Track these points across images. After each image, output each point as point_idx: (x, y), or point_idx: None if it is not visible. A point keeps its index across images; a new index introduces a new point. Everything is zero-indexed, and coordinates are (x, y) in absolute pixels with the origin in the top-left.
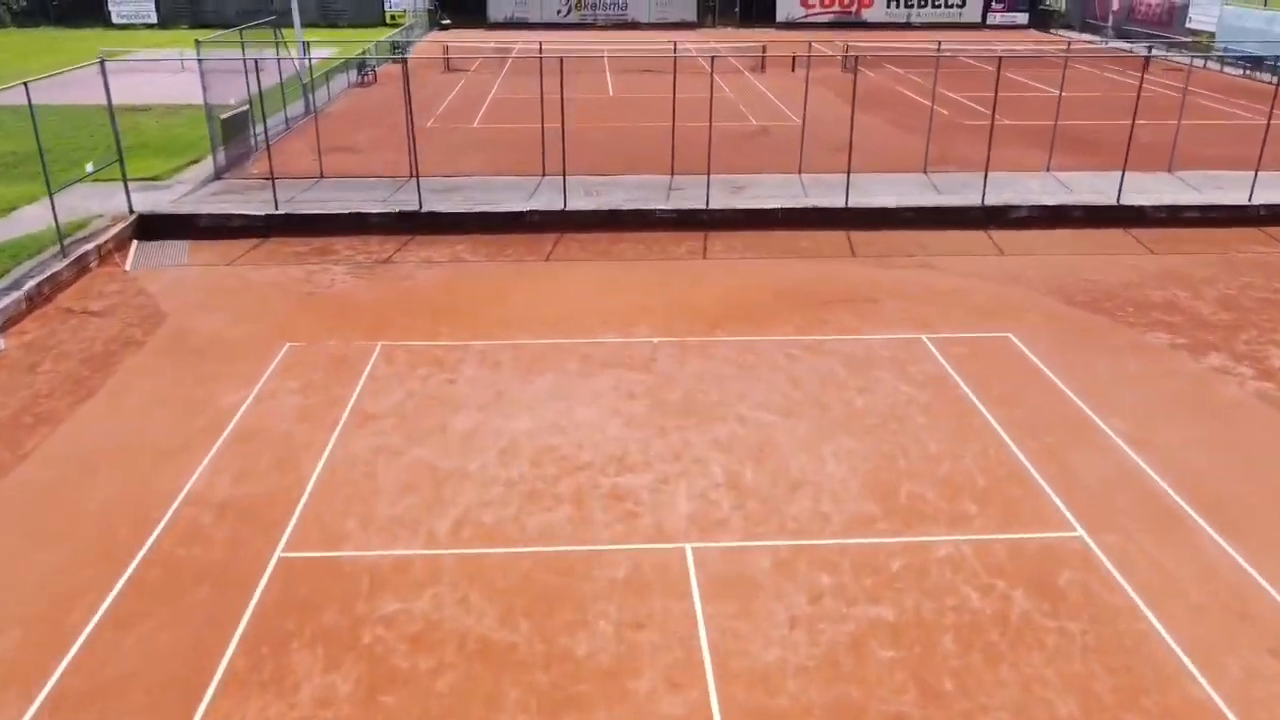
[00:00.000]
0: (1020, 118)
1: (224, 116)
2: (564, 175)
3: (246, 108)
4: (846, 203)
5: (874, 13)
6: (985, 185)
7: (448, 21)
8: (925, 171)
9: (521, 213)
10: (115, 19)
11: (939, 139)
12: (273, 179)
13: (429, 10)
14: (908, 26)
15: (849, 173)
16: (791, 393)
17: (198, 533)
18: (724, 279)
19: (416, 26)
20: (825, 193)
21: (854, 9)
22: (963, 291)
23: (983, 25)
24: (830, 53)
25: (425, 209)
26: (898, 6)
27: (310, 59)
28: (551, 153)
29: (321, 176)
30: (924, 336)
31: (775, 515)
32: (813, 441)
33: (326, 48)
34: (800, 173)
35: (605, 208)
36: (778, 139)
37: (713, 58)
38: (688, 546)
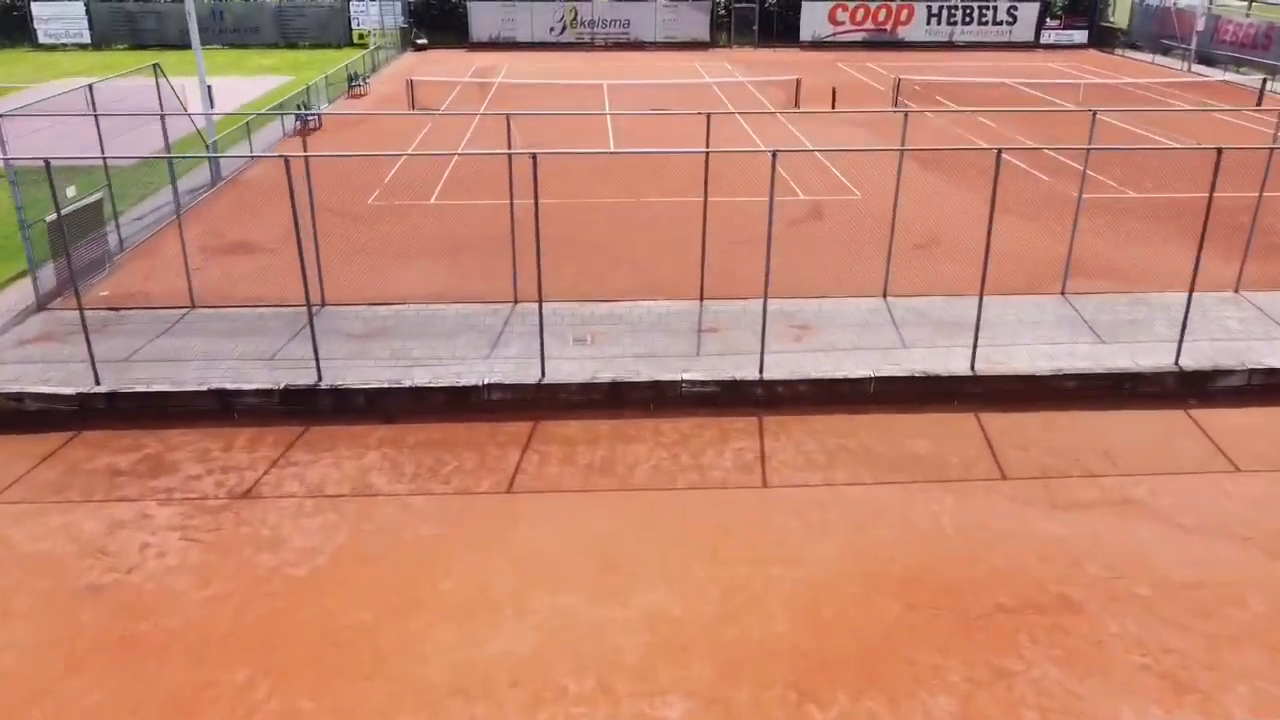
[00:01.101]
0: (1143, 185)
1: (47, 219)
2: (540, 313)
3: (99, 195)
4: (973, 366)
5: (912, 31)
6: (1182, 338)
7: (424, 42)
8: (1063, 293)
9: (475, 388)
10: (42, 38)
11: (1045, 220)
12: (87, 340)
13: (402, 29)
14: (950, 47)
15: (978, 321)
16: None
17: None
18: (804, 546)
19: (387, 48)
20: (931, 337)
21: (889, 27)
22: (1218, 580)
23: (1036, 45)
24: (877, 86)
25: (326, 381)
26: (939, 23)
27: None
28: (525, 262)
29: (193, 306)
30: None
31: None
32: None
33: (268, 77)
34: (886, 296)
35: (604, 377)
36: (839, 225)
37: (774, 152)
38: None
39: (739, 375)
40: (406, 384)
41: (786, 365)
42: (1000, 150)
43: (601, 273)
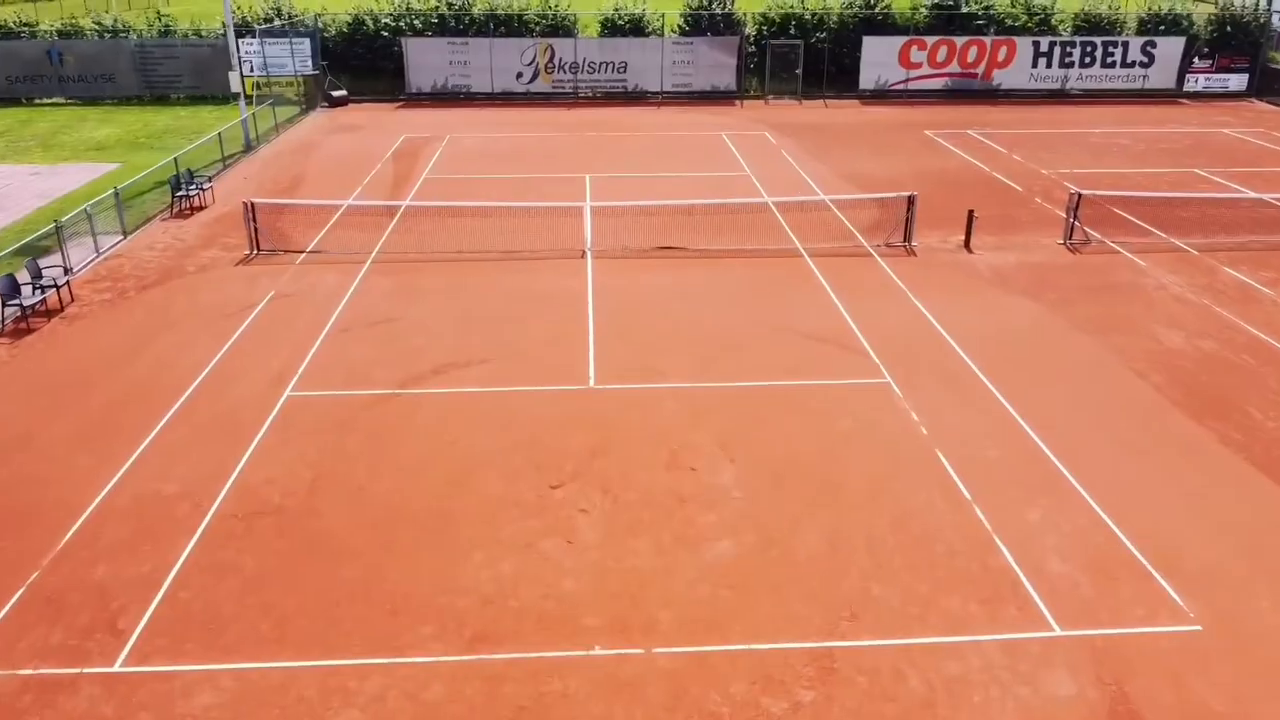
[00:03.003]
0: None
1: None
2: None
3: None
4: None
5: (1013, 76)
6: None
7: (342, 92)
8: None
9: None
10: None
11: None
12: None
13: (312, 76)
14: (1064, 97)
15: None
16: None
17: None
18: None
19: (284, 103)
20: None
21: (981, 70)
22: None
23: (1179, 93)
24: (1006, 181)
25: None
26: (1049, 66)
27: None
28: None
29: None
30: None
31: None
32: None
33: (84, 165)
34: None
35: None
36: None
37: None
38: None
39: None
40: None
41: None
42: None
43: None
